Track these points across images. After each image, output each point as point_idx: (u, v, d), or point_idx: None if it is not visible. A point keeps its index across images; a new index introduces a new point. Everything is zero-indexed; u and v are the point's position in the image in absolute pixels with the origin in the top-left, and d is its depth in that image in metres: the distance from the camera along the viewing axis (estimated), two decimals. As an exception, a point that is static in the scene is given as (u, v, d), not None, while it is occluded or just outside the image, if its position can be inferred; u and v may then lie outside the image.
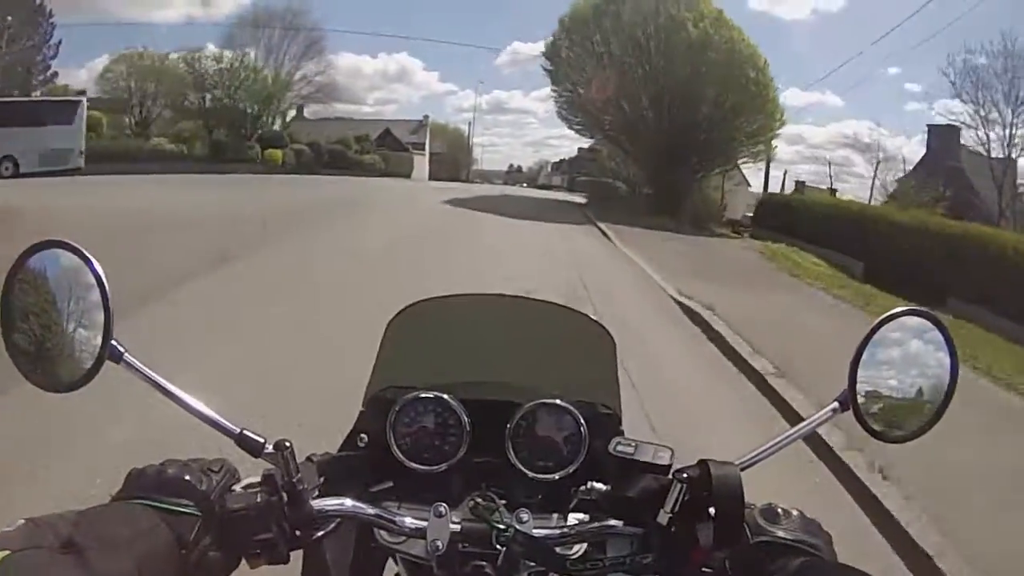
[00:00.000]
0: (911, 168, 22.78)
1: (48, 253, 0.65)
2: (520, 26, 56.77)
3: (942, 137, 21.66)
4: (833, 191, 24.80)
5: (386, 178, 31.69)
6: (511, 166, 56.92)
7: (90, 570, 0.48)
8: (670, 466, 0.70)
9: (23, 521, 0.50)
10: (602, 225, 15.39)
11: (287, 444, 0.65)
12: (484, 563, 0.69)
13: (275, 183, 19.48)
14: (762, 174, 23.87)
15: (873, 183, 23.87)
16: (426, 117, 43.31)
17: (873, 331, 0.73)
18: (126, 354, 0.66)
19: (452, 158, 45.13)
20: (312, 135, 35.07)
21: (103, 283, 0.64)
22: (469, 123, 49.61)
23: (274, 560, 0.64)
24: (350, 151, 31.66)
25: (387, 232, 11.00)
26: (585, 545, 0.74)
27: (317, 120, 41.94)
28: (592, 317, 1.06)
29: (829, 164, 25.63)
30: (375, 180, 27.83)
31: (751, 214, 22.28)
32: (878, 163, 24.01)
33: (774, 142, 21.53)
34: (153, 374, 0.67)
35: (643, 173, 21.50)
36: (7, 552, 0.46)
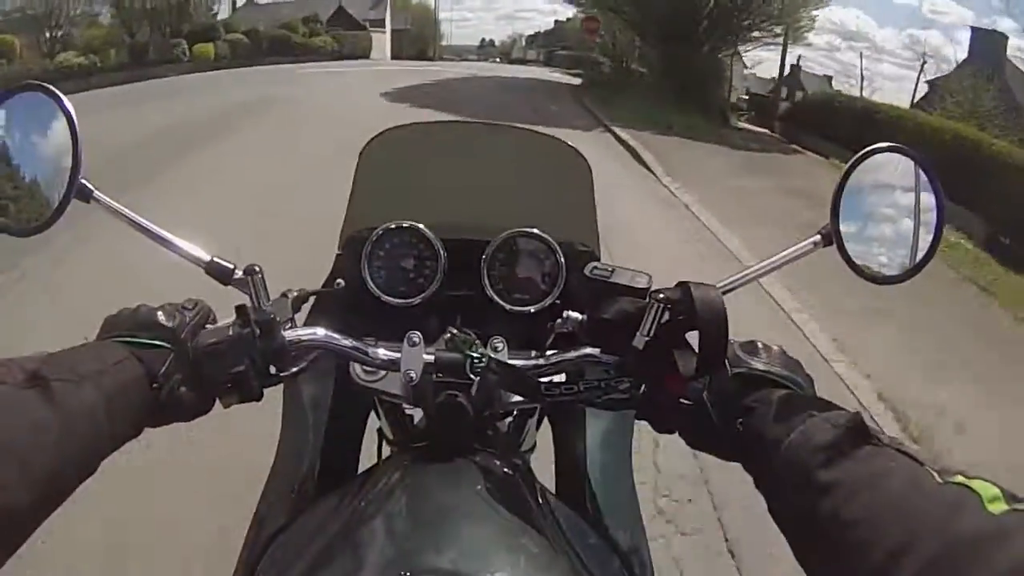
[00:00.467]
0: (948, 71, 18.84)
1: (19, 96, 0.65)
2: None
3: (986, 43, 18.53)
4: (829, 79, 22.22)
5: (341, 61, 27.72)
6: (483, 40, 53.13)
7: (55, 402, 0.48)
8: (647, 289, 0.66)
9: None
10: (621, 132, 10.58)
11: (256, 269, 0.64)
12: (458, 393, 0.66)
13: (183, 85, 15.28)
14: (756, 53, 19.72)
15: (917, 85, 20.23)
16: (384, -11, 38.02)
17: (855, 164, 0.70)
18: (96, 192, 0.65)
19: (418, 34, 40.88)
20: (262, 22, 30.71)
21: (73, 121, 0.64)
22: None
23: (246, 397, 0.62)
24: (297, 35, 27.29)
25: (273, 171, 6.25)
26: (563, 376, 0.70)
27: (269, 5, 36.93)
28: (569, 144, 0.98)
29: (861, 56, 22.13)
30: (322, 65, 23.75)
31: (746, 96, 19.42)
32: (924, 63, 20.55)
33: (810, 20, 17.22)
34: (124, 209, 0.66)
35: (653, 51, 17.27)
36: None
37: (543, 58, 41.38)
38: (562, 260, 0.81)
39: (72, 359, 0.52)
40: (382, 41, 34.60)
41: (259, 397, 0.63)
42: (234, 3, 33.05)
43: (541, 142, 0.98)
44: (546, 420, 0.92)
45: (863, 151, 0.70)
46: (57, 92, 0.64)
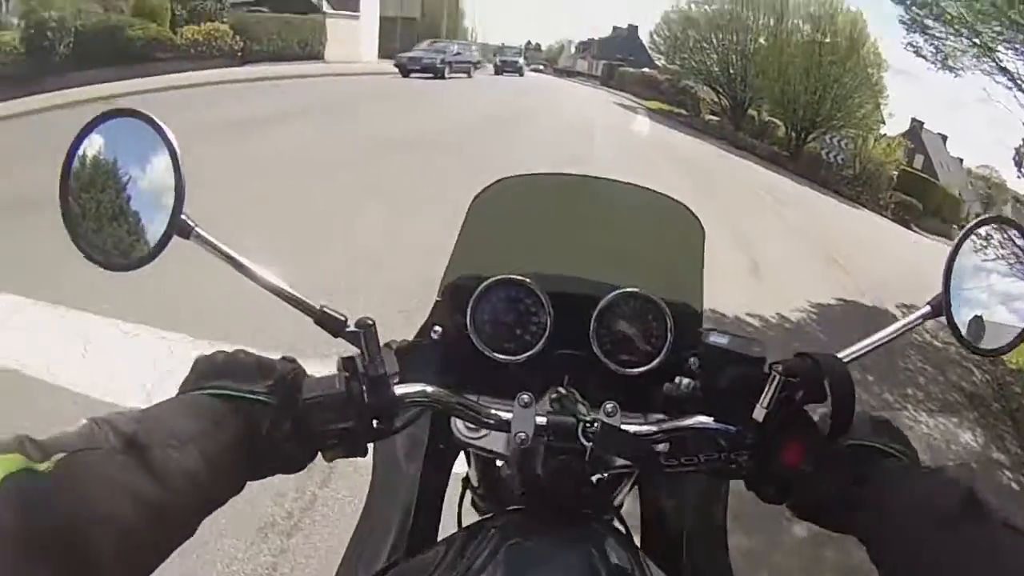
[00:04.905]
0: None
1: (117, 122, 0.61)
2: None
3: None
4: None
5: (255, 67, 16.05)
6: (528, 44, 41.86)
7: (154, 469, 0.46)
8: (764, 359, 0.65)
9: (85, 421, 0.47)
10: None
11: (370, 322, 0.61)
12: (572, 459, 0.64)
13: None
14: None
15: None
16: (366, -46, 25.52)
17: (964, 236, 0.70)
18: (196, 228, 0.61)
19: (431, 26, 28.92)
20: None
21: (176, 154, 0.60)
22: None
23: (352, 453, 0.60)
24: (148, 24, 15.23)
25: None
26: (669, 444, 0.68)
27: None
28: (684, 204, 0.94)
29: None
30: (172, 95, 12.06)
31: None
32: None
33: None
34: (227, 249, 0.62)
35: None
36: (65, 454, 0.43)
37: (601, 73, 29.02)
38: (671, 323, 0.78)
39: (170, 419, 0.50)
40: (355, 32, 22.41)
41: (364, 453, 0.61)
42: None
43: (655, 200, 0.95)
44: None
45: (972, 223, 0.71)
46: (157, 120, 0.60)
